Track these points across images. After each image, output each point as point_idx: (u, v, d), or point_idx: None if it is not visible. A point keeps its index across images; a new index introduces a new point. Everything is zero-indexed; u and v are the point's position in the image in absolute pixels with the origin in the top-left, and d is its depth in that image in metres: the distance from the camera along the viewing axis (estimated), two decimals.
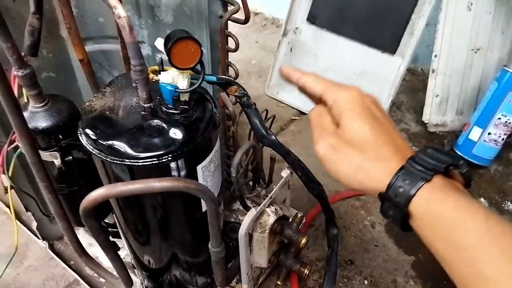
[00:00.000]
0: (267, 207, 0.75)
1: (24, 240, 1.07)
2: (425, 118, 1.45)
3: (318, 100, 0.52)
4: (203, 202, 0.69)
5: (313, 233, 1.12)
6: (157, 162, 0.57)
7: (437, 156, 0.41)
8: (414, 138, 1.48)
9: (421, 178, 0.39)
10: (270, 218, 0.74)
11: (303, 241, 0.74)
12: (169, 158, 0.58)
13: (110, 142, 0.58)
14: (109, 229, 0.91)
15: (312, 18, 1.48)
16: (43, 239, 1.00)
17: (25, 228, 1.07)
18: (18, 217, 1.08)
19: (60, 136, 0.68)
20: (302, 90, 0.55)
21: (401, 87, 1.67)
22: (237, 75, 0.85)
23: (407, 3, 1.28)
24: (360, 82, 1.44)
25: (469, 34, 1.34)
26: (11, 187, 0.82)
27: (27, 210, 0.91)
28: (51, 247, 1.03)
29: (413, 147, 1.44)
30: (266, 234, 0.74)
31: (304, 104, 1.59)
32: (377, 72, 1.39)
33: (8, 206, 1.09)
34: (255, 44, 2.02)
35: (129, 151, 0.57)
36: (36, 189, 0.85)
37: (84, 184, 0.76)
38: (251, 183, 1.04)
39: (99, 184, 0.77)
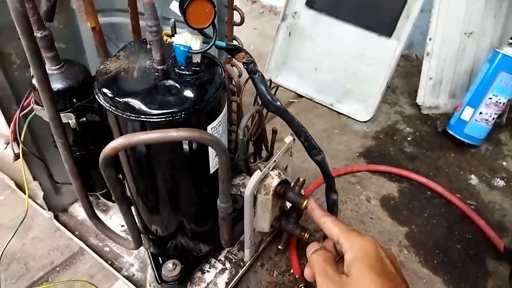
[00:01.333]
0: (271, 170, 0.78)
1: (29, 212, 1.09)
2: (419, 100, 1.50)
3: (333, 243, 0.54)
4: (211, 163, 0.72)
5: None
6: (171, 118, 0.61)
7: None
8: (408, 120, 1.53)
9: None
10: (274, 180, 0.78)
11: (305, 203, 0.78)
12: (182, 115, 0.61)
13: (126, 99, 0.61)
14: None
15: (310, 3, 1.52)
16: (49, 210, 1.03)
17: (30, 201, 1.09)
18: (23, 189, 1.11)
19: (74, 99, 0.70)
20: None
21: (396, 72, 1.72)
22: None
23: None
24: (357, 64, 1.48)
25: (462, 19, 1.39)
26: (23, 154, 0.85)
27: (34, 179, 0.94)
28: (56, 218, 1.05)
29: (408, 129, 1.49)
30: (270, 196, 0.78)
31: (301, 87, 1.63)
32: (374, 55, 1.44)
33: (13, 179, 1.11)
34: (253, 31, 2.05)
35: (144, 108, 0.60)
36: (48, 154, 0.87)
37: (94, 149, 0.79)
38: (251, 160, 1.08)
39: None
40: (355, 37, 1.46)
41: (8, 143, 0.87)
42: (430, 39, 1.39)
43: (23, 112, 0.78)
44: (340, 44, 1.50)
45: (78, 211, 1.06)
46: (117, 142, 0.53)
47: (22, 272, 0.96)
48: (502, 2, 1.42)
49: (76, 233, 1.02)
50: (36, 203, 1.04)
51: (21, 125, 0.80)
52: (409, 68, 1.78)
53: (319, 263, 0.51)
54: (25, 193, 1.08)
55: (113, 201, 0.95)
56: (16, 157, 0.87)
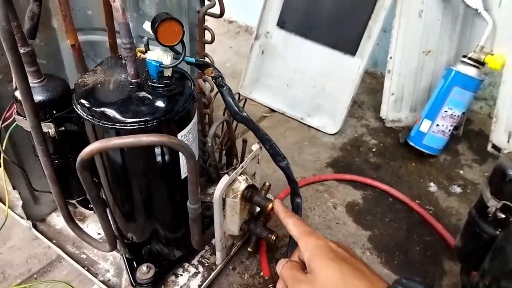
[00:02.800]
0: (238, 175, 0.85)
1: (7, 222, 1.11)
2: (383, 114, 1.61)
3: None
4: (182, 169, 0.78)
5: None
6: (143, 126, 0.67)
7: (412, 285, 0.45)
8: (373, 133, 1.62)
9: None
10: (241, 185, 0.84)
11: (270, 205, 0.85)
12: (154, 123, 0.68)
13: (102, 109, 0.67)
14: None
15: (281, 23, 1.62)
16: (27, 219, 1.06)
17: (8, 210, 1.12)
18: (2, 200, 1.14)
19: (54, 110, 0.76)
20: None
21: (362, 88, 1.83)
22: (212, 63, 0.96)
23: (365, 11, 1.44)
24: (325, 81, 1.58)
25: (420, 39, 1.51)
26: (4, 162, 0.89)
27: (14, 188, 0.98)
28: (34, 227, 1.08)
29: (373, 141, 1.58)
30: (238, 199, 0.84)
31: (274, 102, 1.72)
32: (340, 72, 1.54)
33: None
34: (229, 49, 2.14)
35: (119, 116, 0.67)
36: (27, 164, 0.92)
37: (72, 158, 0.84)
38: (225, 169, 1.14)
39: None
40: (322, 55, 1.56)
41: None
42: (391, 58, 1.50)
43: (5, 124, 0.83)
44: (310, 62, 1.60)
45: (56, 220, 1.10)
46: (93, 146, 0.59)
47: (0, 280, 0.99)
48: (455, 25, 1.55)
49: (54, 241, 1.05)
50: (15, 212, 1.07)
51: (2, 136, 0.85)
52: (374, 85, 1.89)
53: (287, 272, 0.57)
54: (3, 203, 1.12)
55: (90, 209, 0.99)
56: None
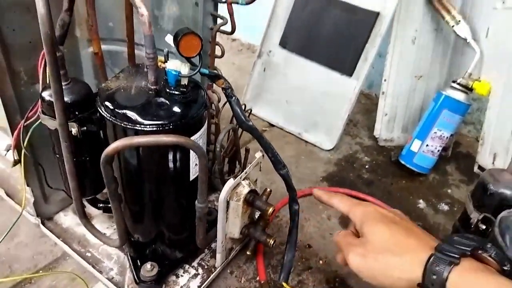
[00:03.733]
0: (242, 180, 0.91)
1: (15, 219, 1.16)
2: (376, 133, 1.69)
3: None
4: (191, 171, 0.85)
5: (278, 222, 1.29)
6: (161, 129, 0.74)
7: (463, 241, 0.45)
8: (367, 151, 1.70)
9: (449, 262, 0.43)
10: (244, 189, 0.91)
11: (270, 210, 0.91)
12: (171, 126, 0.75)
13: (124, 111, 0.74)
14: (104, 204, 1.03)
15: (283, 43, 1.72)
16: (37, 216, 1.11)
17: (17, 207, 1.17)
18: (11, 197, 1.19)
19: (77, 111, 0.82)
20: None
21: (358, 108, 1.92)
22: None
23: (362, 35, 1.54)
24: (323, 99, 1.66)
25: (413, 63, 1.62)
26: (21, 161, 0.94)
27: (28, 185, 1.03)
28: (43, 224, 1.13)
29: (366, 158, 1.66)
30: (241, 202, 0.90)
31: (273, 117, 1.80)
32: (337, 92, 1.63)
33: (2, 187, 1.19)
34: (232, 66, 2.24)
35: (139, 119, 0.73)
36: (43, 162, 0.97)
37: (88, 157, 0.90)
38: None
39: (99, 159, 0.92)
40: (321, 75, 1.65)
41: (9, 150, 0.97)
42: (385, 80, 1.60)
43: (28, 122, 0.89)
44: (309, 80, 1.69)
45: (63, 219, 1.14)
46: (119, 143, 0.66)
47: (6, 274, 1.03)
48: (446, 52, 1.66)
49: (60, 239, 1.10)
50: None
51: (24, 134, 0.90)
52: (369, 105, 1.98)
53: (341, 239, 0.59)
54: (13, 200, 1.17)
55: (98, 208, 1.04)
56: (15, 162, 0.96)
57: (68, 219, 1.15)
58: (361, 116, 1.93)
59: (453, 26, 1.47)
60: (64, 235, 1.11)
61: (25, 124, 0.90)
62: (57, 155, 0.90)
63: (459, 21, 1.46)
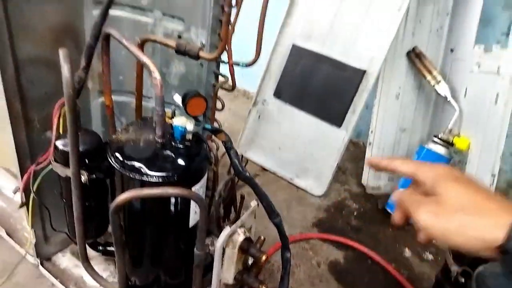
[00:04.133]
0: (238, 228, 0.97)
1: (14, 259, 1.18)
2: (364, 181, 1.78)
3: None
4: (191, 218, 0.90)
5: (270, 267, 1.33)
6: (166, 180, 0.80)
7: None
8: (355, 198, 1.78)
9: None
10: (240, 236, 0.96)
11: (264, 257, 0.96)
12: (175, 178, 0.81)
13: (133, 163, 0.81)
14: (106, 247, 1.07)
15: (278, 94, 1.83)
16: (36, 257, 1.13)
17: (16, 247, 1.20)
18: (12, 236, 1.22)
19: (87, 160, 0.89)
20: (392, 172, 0.59)
21: (346, 155, 2.01)
22: (220, 127, 1.12)
23: (350, 90, 1.65)
24: (314, 147, 1.75)
25: (397, 117, 1.73)
26: (28, 204, 0.99)
27: (32, 227, 1.06)
28: (41, 265, 1.15)
29: (354, 205, 1.72)
30: (236, 250, 0.95)
31: (267, 162, 1.88)
32: (327, 141, 1.72)
33: (3, 227, 1.23)
34: (228, 111, 2.33)
35: (146, 170, 0.80)
36: (48, 205, 1.02)
37: (93, 203, 0.95)
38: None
39: (105, 205, 0.97)
40: (312, 124, 1.75)
41: (16, 192, 1.01)
42: (371, 132, 1.70)
43: (38, 167, 0.95)
44: (301, 129, 1.78)
45: (61, 260, 1.17)
46: (128, 194, 0.72)
47: None
48: (428, 108, 1.78)
49: (58, 280, 1.12)
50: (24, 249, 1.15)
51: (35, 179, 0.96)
52: (357, 153, 2.08)
53: (407, 197, 0.52)
54: (12, 239, 1.20)
55: (97, 251, 1.08)
56: (22, 205, 1.01)
57: (65, 260, 1.17)
58: (349, 163, 2.01)
59: (434, 85, 1.59)
60: (61, 276, 1.14)
61: (36, 168, 0.95)
62: (64, 200, 0.95)
63: (440, 81, 1.59)
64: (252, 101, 1.90)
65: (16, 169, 1.00)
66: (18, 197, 1.03)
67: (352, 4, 1.62)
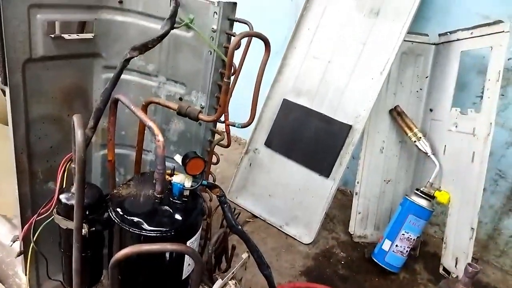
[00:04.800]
0: (229, 280, 1.01)
1: None
2: (351, 230, 1.83)
3: None
4: (184, 270, 0.95)
5: None
6: (164, 234, 0.86)
7: None
8: (343, 246, 1.82)
9: None
10: None
11: None
12: (172, 233, 0.86)
13: (133, 218, 0.86)
14: None
15: (269, 143, 1.91)
16: None
17: None
18: (3, 282, 1.23)
19: (88, 213, 0.94)
20: None
21: (334, 203, 2.07)
22: (214, 180, 1.19)
23: (337, 143, 1.75)
24: (303, 196, 1.82)
25: (382, 169, 1.82)
26: (25, 253, 1.02)
27: (26, 274, 1.09)
28: None
29: (342, 253, 1.77)
30: None
31: (257, 209, 1.93)
32: (315, 190, 1.79)
33: None
34: (220, 157, 2.40)
35: (145, 226, 0.85)
36: (48, 253, 1.05)
37: (90, 253, 0.99)
38: None
39: (100, 255, 1.01)
40: (302, 174, 1.83)
41: (15, 241, 1.05)
42: (358, 182, 1.78)
43: (39, 217, 0.99)
44: (290, 178, 1.86)
45: None
46: (128, 250, 0.77)
47: None
48: (410, 161, 1.88)
49: None
50: None
51: (35, 229, 0.99)
52: (344, 201, 2.15)
53: None
54: (3, 285, 1.21)
55: None
56: (19, 253, 1.04)
57: None
58: (337, 211, 2.07)
59: (415, 142, 1.70)
60: None
61: (37, 219, 1.00)
62: (62, 250, 0.98)
63: (420, 137, 1.69)
64: (244, 149, 1.98)
65: (16, 218, 1.04)
66: (12, 243, 1.06)
67: (338, 67, 1.75)
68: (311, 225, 1.79)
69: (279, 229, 1.86)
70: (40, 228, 0.98)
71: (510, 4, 1.62)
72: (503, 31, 1.42)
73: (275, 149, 1.90)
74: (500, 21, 1.44)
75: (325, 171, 1.77)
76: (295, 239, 1.81)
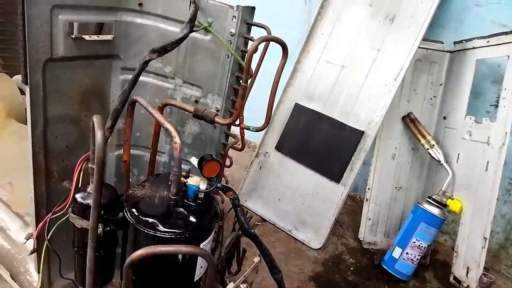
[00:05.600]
0: (241, 284, 1.01)
1: None
2: (361, 236, 1.82)
3: None
4: (197, 272, 0.95)
5: None
6: (178, 236, 0.86)
7: None
8: (352, 252, 1.81)
9: None
10: None
11: None
12: (186, 234, 0.87)
13: (148, 218, 0.86)
14: None
15: (279, 147, 1.91)
16: None
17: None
18: (14, 278, 1.24)
19: (103, 213, 0.94)
20: None
21: (344, 209, 2.06)
22: (226, 182, 1.19)
23: (349, 149, 1.74)
24: (313, 200, 1.81)
25: (393, 176, 1.81)
26: (38, 250, 1.03)
27: (38, 272, 1.10)
28: None
29: (351, 259, 1.76)
30: None
31: (266, 213, 1.93)
32: (326, 195, 1.78)
33: (8, 271, 1.25)
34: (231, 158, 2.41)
35: (160, 227, 0.86)
36: (61, 251, 1.05)
37: (103, 253, 0.99)
38: None
39: (113, 254, 1.02)
40: (312, 178, 1.82)
41: (29, 239, 1.06)
42: (368, 189, 1.77)
43: (54, 216, 1.00)
44: (300, 182, 1.85)
45: None
46: (143, 251, 0.77)
47: None
48: (422, 169, 1.87)
49: None
50: None
51: (50, 228, 1.00)
52: (354, 207, 2.14)
53: None
54: (15, 282, 1.22)
55: None
56: (33, 251, 1.05)
57: None
58: (347, 217, 2.06)
59: (428, 149, 1.69)
60: None
61: (52, 217, 1.01)
62: (76, 249, 0.99)
63: (433, 145, 1.68)
64: (255, 152, 1.98)
65: (29, 216, 1.05)
66: (23, 240, 1.07)
67: (352, 72, 1.75)
68: (320, 230, 1.79)
69: (288, 233, 1.85)
70: (55, 226, 0.99)
71: None
72: None
73: (285, 153, 1.90)
74: None
75: (336, 177, 1.76)
76: (304, 243, 1.80)
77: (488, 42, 1.54)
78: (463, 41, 1.67)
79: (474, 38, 1.61)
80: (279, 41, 0.93)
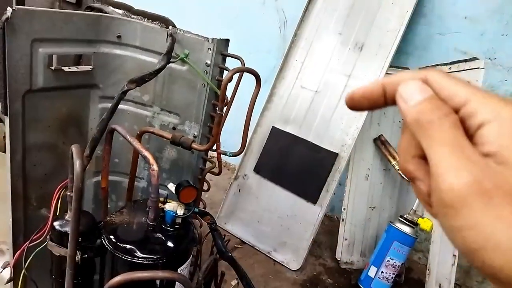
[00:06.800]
0: None
1: None
2: (338, 256, 1.86)
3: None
4: None
5: None
6: (156, 262, 0.88)
7: None
8: (330, 272, 1.84)
9: None
10: None
11: None
12: (164, 260, 0.89)
13: (125, 245, 0.88)
14: None
15: (257, 170, 1.95)
16: None
17: None
18: None
19: (81, 240, 0.95)
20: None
21: (321, 229, 2.10)
22: (204, 207, 1.22)
23: (324, 171, 1.80)
24: (290, 222, 1.85)
25: (367, 196, 1.87)
26: (16, 279, 1.03)
27: None
28: None
29: (329, 280, 1.79)
30: None
31: (245, 235, 1.95)
32: (303, 216, 1.82)
33: None
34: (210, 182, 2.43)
35: (138, 253, 0.87)
36: (37, 279, 1.05)
37: (81, 280, 1.00)
38: None
39: (89, 282, 1.02)
40: (289, 200, 1.86)
41: (5, 267, 1.05)
42: (344, 209, 1.83)
43: (32, 244, 1.00)
44: (278, 204, 1.89)
45: None
46: (121, 277, 0.79)
47: None
48: (394, 188, 1.94)
49: None
50: None
51: (27, 256, 1.00)
52: (331, 227, 2.18)
53: (446, 129, 0.25)
54: None
55: None
56: (9, 280, 1.04)
57: None
58: (324, 237, 2.10)
59: (398, 170, 1.76)
60: None
61: (29, 245, 1.01)
62: (53, 277, 0.99)
63: None
64: (234, 175, 2.01)
65: (5, 244, 1.05)
66: (2, 270, 1.06)
67: (325, 97, 1.83)
68: (299, 251, 1.82)
69: (267, 255, 1.87)
70: (32, 254, 0.99)
71: (485, 41, 1.73)
72: (479, 68, 1.52)
73: (263, 175, 1.94)
74: (475, 58, 1.54)
75: (313, 198, 1.81)
76: (283, 265, 1.82)
77: (450, 68, 1.65)
78: (427, 68, 1.77)
79: (437, 65, 1.72)
80: (252, 72, 0.99)
